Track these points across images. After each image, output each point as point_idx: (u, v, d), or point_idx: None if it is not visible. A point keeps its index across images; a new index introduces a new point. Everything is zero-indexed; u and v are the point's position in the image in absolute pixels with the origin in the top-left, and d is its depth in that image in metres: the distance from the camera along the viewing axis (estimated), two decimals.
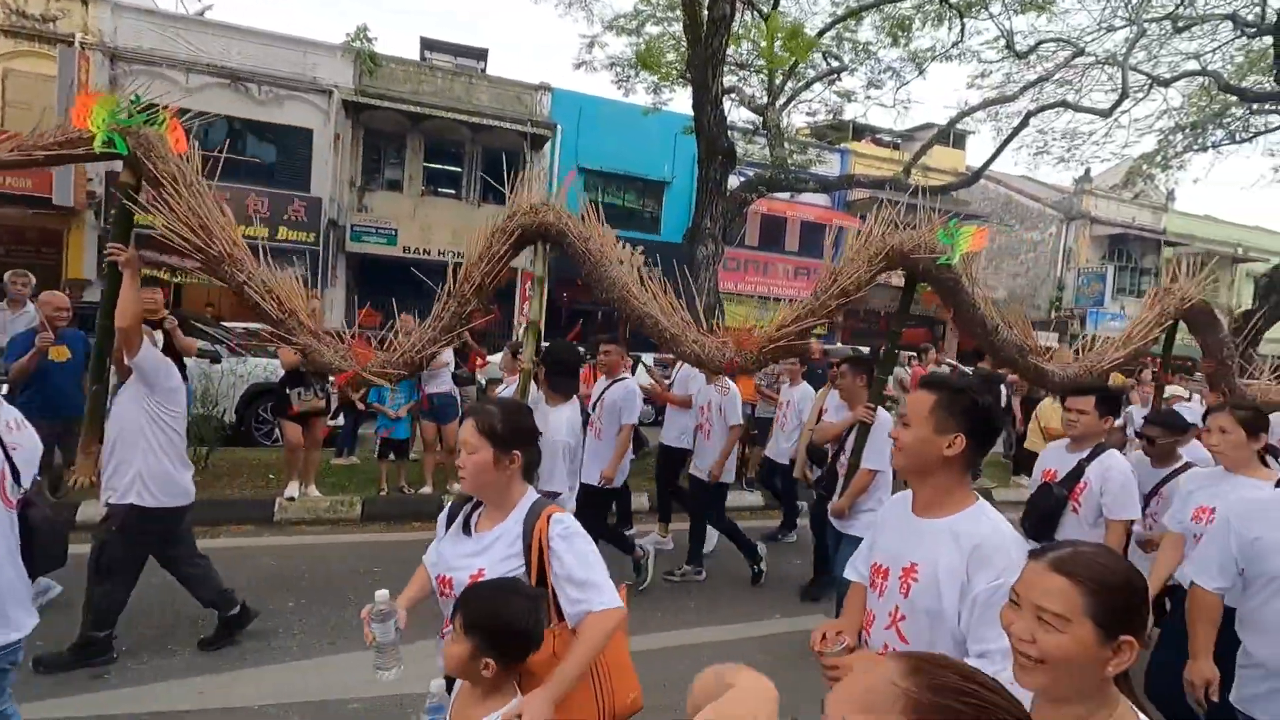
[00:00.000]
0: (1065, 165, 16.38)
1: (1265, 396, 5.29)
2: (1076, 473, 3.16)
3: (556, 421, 3.54)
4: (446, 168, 15.27)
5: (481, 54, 17.00)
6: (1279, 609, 2.08)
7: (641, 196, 17.14)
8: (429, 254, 14.27)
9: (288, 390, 5.66)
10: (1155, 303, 5.00)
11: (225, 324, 9.00)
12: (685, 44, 8.59)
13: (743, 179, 10.20)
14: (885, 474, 3.88)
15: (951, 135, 18.69)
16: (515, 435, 1.72)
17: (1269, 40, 10.56)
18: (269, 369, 7.30)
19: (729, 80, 11.22)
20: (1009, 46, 11.32)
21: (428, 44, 16.72)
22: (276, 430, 6.67)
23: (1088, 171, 19.55)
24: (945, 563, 1.53)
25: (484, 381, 8.21)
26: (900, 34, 10.50)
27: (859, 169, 16.73)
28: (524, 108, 15.27)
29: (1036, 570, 1.14)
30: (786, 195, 16.84)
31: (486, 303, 3.87)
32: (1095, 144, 18.38)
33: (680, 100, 11.27)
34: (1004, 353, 4.25)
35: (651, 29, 10.82)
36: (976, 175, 11.25)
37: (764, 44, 9.50)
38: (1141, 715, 1.11)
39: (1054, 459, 3.36)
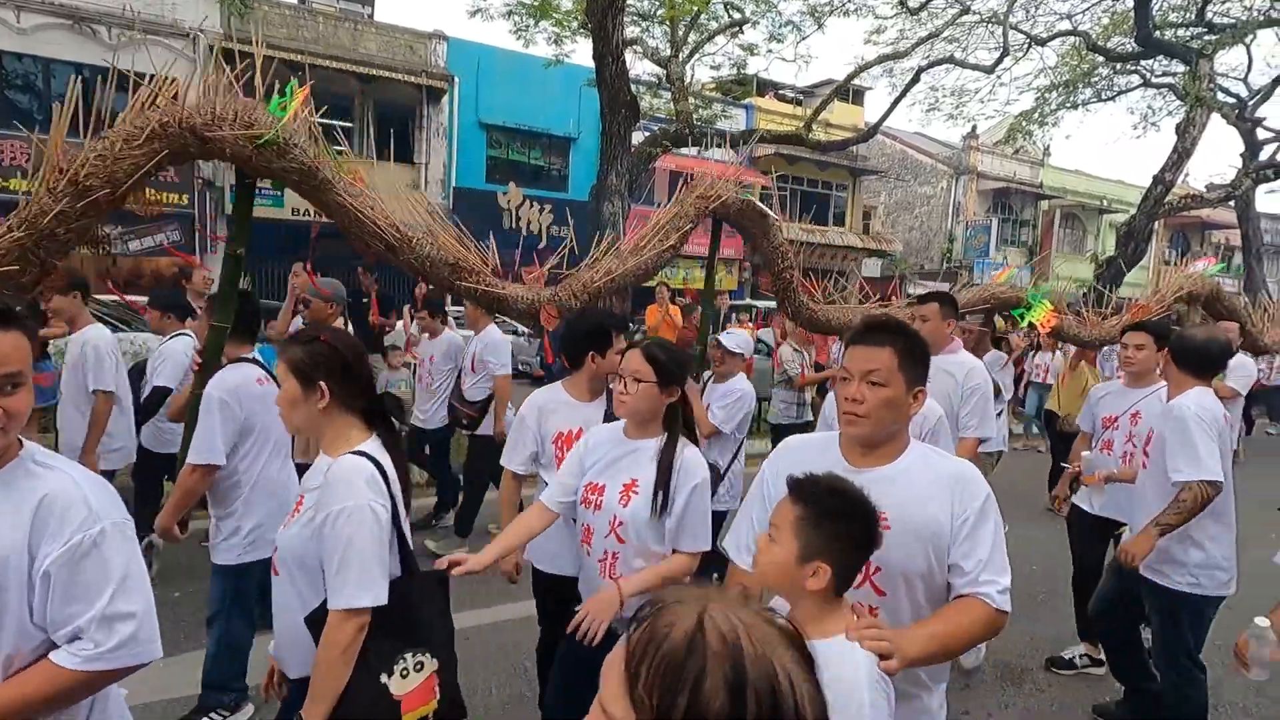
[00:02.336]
0: (954, 122, 17.18)
1: (843, 318, 4.66)
2: None
3: None
4: (336, 122, 14.26)
5: None
6: None
7: (547, 153, 16.67)
8: (321, 216, 13.38)
9: None
10: (675, 203, 3.98)
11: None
12: None
13: (648, 134, 10.09)
14: None
15: (850, 92, 19.16)
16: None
17: (1131, 2, 11.32)
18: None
19: (631, 31, 10.97)
20: (902, 3, 11.61)
21: None
22: None
23: (974, 128, 20.61)
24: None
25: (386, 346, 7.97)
26: None
27: (763, 124, 16.89)
28: (417, 58, 14.39)
29: None
30: (693, 151, 16.85)
31: None
32: (981, 101, 19.31)
33: (583, 52, 10.97)
34: (434, 275, 3.40)
35: None
36: (874, 130, 11.60)
37: None
38: None
39: None
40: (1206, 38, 11.93)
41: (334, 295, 4.14)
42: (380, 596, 1.49)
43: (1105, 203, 23.54)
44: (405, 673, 1.52)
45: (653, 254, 3.81)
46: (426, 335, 5.06)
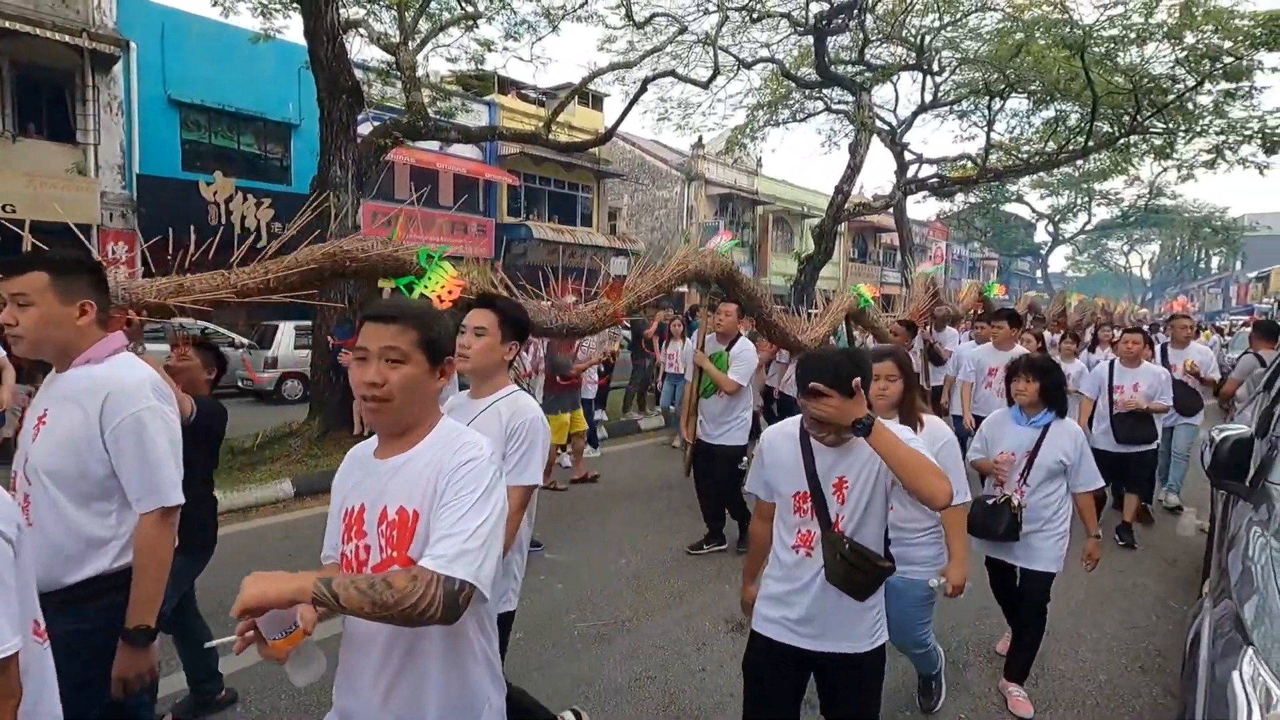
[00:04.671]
0: (682, 132, 18.81)
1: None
2: None
3: None
4: None
5: None
6: None
7: (262, 140, 14.75)
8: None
9: None
10: None
11: None
12: None
13: (379, 124, 9.41)
14: None
15: (590, 97, 19.94)
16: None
17: (812, 40, 13.36)
18: None
19: (356, 13, 10.12)
20: (629, 15, 12.33)
21: None
22: None
23: (700, 139, 22.73)
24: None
25: None
26: None
27: (506, 122, 16.83)
28: (74, 14, 11.74)
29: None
30: (435, 146, 16.17)
31: None
32: (703, 114, 21.40)
33: (297, 29, 9.69)
34: None
35: None
36: (608, 134, 12.16)
37: None
38: None
39: None
40: (866, 74, 14.55)
41: None
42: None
43: (805, 208, 27.58)
44: None
45: None
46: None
